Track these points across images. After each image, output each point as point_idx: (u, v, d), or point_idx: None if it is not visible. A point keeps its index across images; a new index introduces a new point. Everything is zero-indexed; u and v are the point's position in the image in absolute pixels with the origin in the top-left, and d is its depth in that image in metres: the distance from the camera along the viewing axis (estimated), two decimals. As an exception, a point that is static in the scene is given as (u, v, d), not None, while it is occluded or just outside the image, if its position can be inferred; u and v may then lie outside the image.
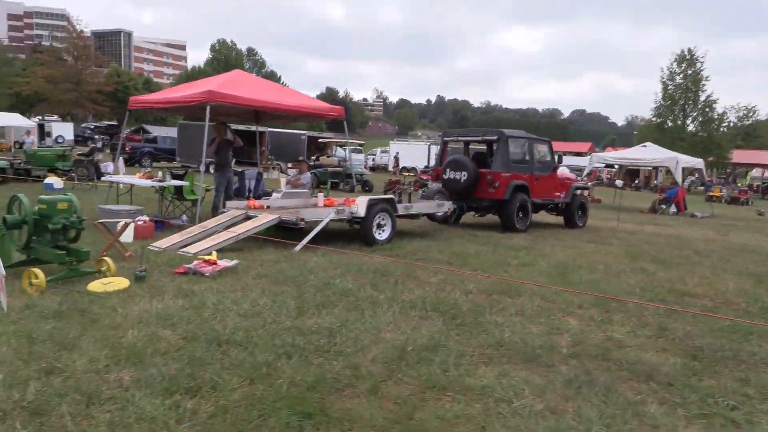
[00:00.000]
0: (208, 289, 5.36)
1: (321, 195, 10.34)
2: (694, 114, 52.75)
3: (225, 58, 71.93)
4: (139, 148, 33.02)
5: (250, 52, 79.34)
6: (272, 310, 4.77)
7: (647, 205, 21.90)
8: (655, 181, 43.02)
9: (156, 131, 44.95)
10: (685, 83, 52.40)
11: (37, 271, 5.28)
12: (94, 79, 53.49)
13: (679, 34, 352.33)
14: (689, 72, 52.06)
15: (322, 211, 8.45)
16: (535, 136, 12.72)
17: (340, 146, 32.25)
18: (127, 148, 32.49)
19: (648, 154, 22.23)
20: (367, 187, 22.82)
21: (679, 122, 52.86)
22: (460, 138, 12.76)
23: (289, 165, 30.88)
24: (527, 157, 12.20)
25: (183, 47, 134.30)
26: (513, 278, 6.60)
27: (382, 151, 50.37)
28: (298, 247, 7.91)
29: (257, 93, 9.84)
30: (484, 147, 13.44)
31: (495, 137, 11.86)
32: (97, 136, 45.58)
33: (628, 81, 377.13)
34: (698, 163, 22.64)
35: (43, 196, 5.54)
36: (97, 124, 50.43)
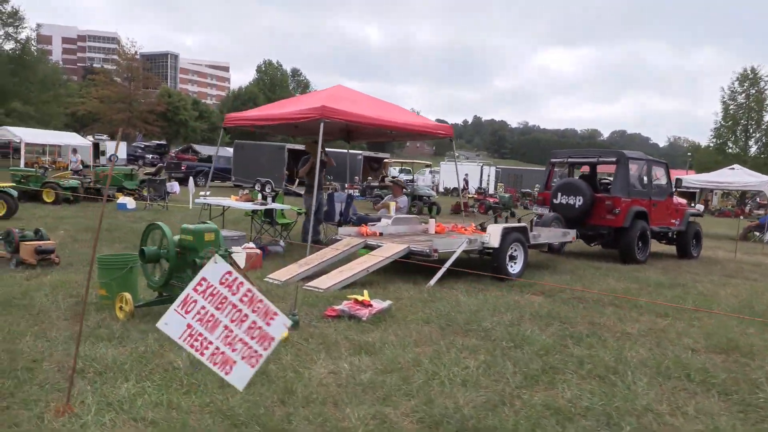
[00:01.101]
0: (385, 341, 4.46)
1: (432, 221, 9.45)
2: (758, 135, 50.45)
3: (270, 78, 72.51)
4: (194, 168, 32.79)
5: (295, 72, 79.92)
6: (489, 375, 3.83)
7: (733, 231, 20.37)
8: (749, 204, 41.04)
9: (205, 150, 45.11)
10: (747, 103, 50.29)
11: (127, 295, 4.64)
12: (146, 99, 54.23)
13: (720, 56, 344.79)
14: (752, 91, 49.97)
15: (454, 240, 7.52)
16: (653, 158, 11.63)
17: (426, 167, 31.53)
18: (182, 167, 32.41)
19: (738, 177, 20.75)
20: (435, 210, 21.88)
21: (741, 143, 50.64)
22: (570, 160, 11.74)
23: (347, 185, 30.31)
24: (645, 181, 11.12)
25: (227, 69, 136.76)
26: (725, 329, 5.53)
27: (431, 172, 49.61)
28: (433, 282, 7.01)
29: (367, 109, 9.05)
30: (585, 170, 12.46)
31: (614, 159, 10.83)
32: (150, 156, 46.14)
33: (668, 101, 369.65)
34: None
35: (187, 226, 4.76)
36: (147, 144, 51.01)
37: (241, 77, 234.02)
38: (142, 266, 4.96)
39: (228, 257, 4.65)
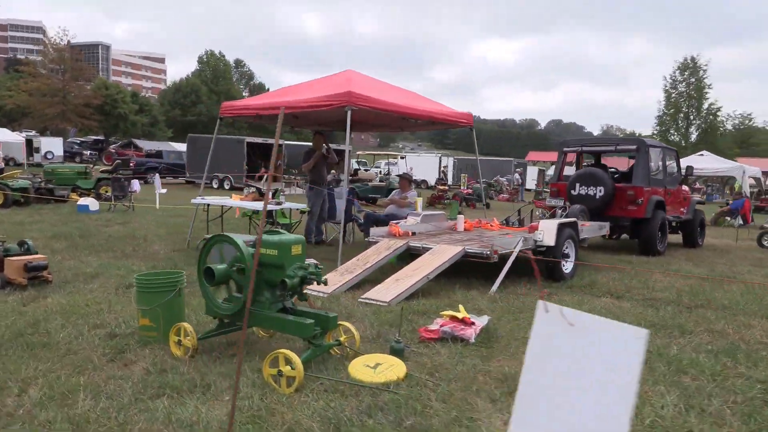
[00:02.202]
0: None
1: (461, 217, 8.71)
2: (698, 122, 52.39)
3: (213, 69, 69.77)
4: (143, 164, 30.79)
5: (238, 63, 77.27)
6: (701, 416, 3.09)
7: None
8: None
9: (147, 146, 42.68)
10: (688, 91, 52.12)
11: (187, 326, 3.73)
12: (81, 92, 50.73)
13: (650, 46, 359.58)
14: (692, 80, 51.80)
15: (511, 240, 6.77)
16: (666, 145, 11.27)
17: (400, 157, 30.73)
18: (131, 164, 30.38)
19: (709, 163, 21.01)
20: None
21: (682, 131, 52.46)
22: (584, 149, 11.23)
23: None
24: (660, 169, 10.74)
25: (162, 60, 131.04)
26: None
27: (386, 164, 48.90)
28: (495, 287, 6.26)
29: (390, 95, 8.17)
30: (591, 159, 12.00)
31: (633, 147, 10.37)
32: (87, 152, 43.13)
33: (602, 91, 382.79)
34: (756, 172, 21.55)
35: (267, 237, 3.79)
36: (83, 139, 47.84)
37: (178, 69, 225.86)
38: (202, 289, 3.95)
39: (319, 276, 3.72)
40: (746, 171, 19.38)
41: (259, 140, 29.73)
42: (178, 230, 10.93)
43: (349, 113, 7.27)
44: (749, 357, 4.13)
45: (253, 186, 20.45)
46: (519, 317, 5.06)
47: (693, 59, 51.47)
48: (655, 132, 53.60)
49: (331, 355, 3.92)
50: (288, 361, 3.31)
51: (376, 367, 3.58)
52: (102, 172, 18.61)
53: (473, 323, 4.41)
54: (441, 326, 4.39)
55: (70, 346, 4.01)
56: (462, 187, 30.50)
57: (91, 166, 19.54)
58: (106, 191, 16.33)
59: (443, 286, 6.30)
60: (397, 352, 3.91)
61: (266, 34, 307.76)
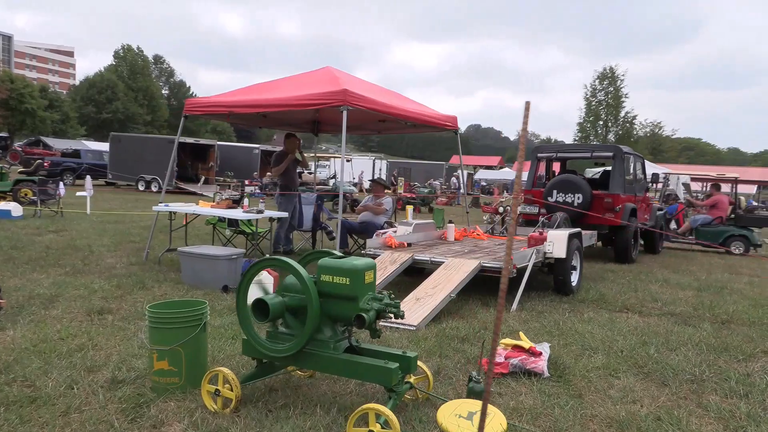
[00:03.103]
0: (637, 415, 3.18)
1: (451, 226, 8.23)
2: (615, 129, 54.95)
3: (130, 65, 66.10)
4: (60, 164, 28.36)
5: (158, 59, 73.69)
6: None
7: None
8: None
9: (57, 144, 39.55)
10: (606, 100, 54.61)
11: (226, 371, 3.06)
12: (-18, 85, 46.40)
13: (563, 55, 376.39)
14: (610, 89, 54.32)
15: (525, 253, 6.33)
16: (635, 152, 11.32)
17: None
18: (45, 164, 27.90)
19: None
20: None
21: (601, 137, 54.84)
22: (559, 155, 11.07)
23: (246, 182, 27.81)
24: (632, 177, 10.77)
25: (71, 54, 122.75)
26: None
27: (317, 166, 47.97)
28: (515, 305, 5.81)
29: (380, 95, 7.56)
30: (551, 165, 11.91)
31: (610, 154, 10.29)
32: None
33: (518, 98, 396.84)
34: (686, 178, 22.52)
35: (328, 261, 3.10)
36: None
37: (89, 64, 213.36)
38: (244, 325, 3.20)
39: (397, 308, 3.07)
40: (680, 177, 20.17)
41: (191, 140, 28.13)
42: (124, 239, 9.82)
43: (345, 114, 6.61)
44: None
45: (224, 191, 19.20)
46: (568, 340, 4.61)
47: (611, 69, 54.03)
48: (577, 138, 55.75)
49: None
50: (381, 420, 2.65)
51: (470, 418, 2.99)
52: (20, 173, 16.75)
53: (540, 353, 3.90)
54: (507, 358, 3.86)
55: (68, 400, 3.15)
56: (399, 191, 30.26)
57: (7, 166, 17.58)
58: (26, 194, 14.68)
59: (458, 305, 5.77)
60: (477, 394, 3.33)
61: (184, 32, 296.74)
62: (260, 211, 7.22)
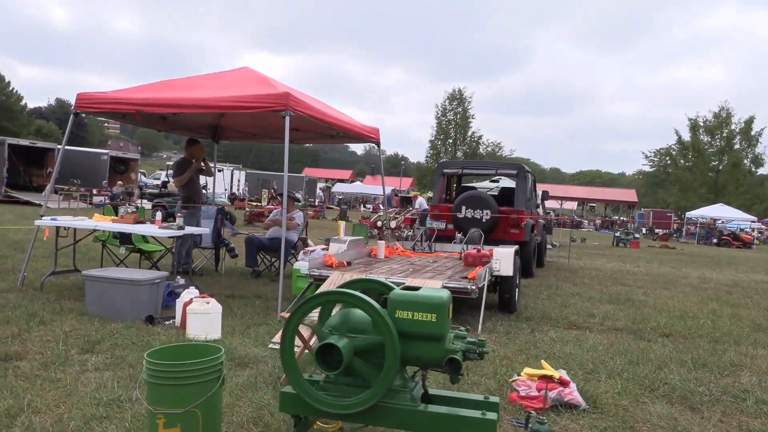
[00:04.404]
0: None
1: (382, 243, 7.86)
2: (464, 148, 58.30)
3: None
4: None
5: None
6: None
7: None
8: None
9: None
10: (455, 119, 57.80)
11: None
12: None
13: (406, 74, 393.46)
14: (459, 109, 57.63)
15: (480, 272, 6.13)
16: (530, 170, 11.82)
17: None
18: None
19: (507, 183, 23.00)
20: (230, 221, 19.29)
21: (450, 155, 57.85)
22: (465, 171, 11.17)
23: (95, 191, 24.88)
24: (529, 194, 11.23)
25: None
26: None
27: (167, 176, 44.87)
28: (480, 328, 5.60)
29: (314, 102, 6.97)
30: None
31: (514, 171, 10.61)
32: None
33: (364, 113, 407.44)
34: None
35: (403, 294, 2.58)
36: None
37: None
38: (292, 376, 2.54)
39: (483, 346, 2.63)
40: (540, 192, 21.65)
41: (26, 143, 24.67)
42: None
43: (287, 119, 5.96)
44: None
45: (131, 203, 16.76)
46: (560, 363, 4.45)
47: (460, 91, 57.33)
48: (429, 155, 58.30)
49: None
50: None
51: (565, 468, 2.65)
52: None
53: (569, 382, 3.68)
54: (539, 390, 3.57)
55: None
56: (265, 203, 29.16)
57: None
58: None
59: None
60: (539, 436, 3.00)
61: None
62: (181, 227, 6.26)
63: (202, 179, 9.04)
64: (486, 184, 17.31)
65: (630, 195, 54.73)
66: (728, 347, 5.42)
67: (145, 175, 38.06)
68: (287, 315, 3.77)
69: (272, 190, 32.35)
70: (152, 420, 2.58)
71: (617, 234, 25.03)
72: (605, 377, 4.19)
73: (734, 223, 35.27)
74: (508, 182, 13.54)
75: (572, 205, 59.58)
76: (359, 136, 8.07)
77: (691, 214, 37.34)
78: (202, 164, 8.34)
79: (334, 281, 5.77)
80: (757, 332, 6.30)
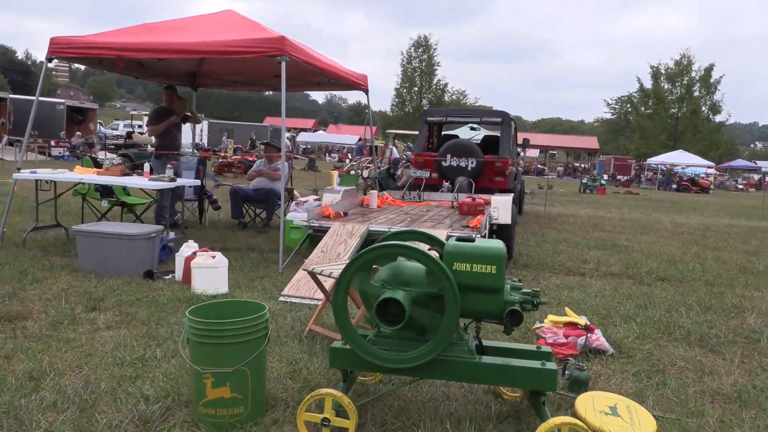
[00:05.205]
0: (743, 388, 3.13)
1: (374, 192, 7.75)
2: (429, 96, 57.79)
3: None
4: None
5: None
6: None
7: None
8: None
9: None
10: (420, 67, 57.02)
11: (337, 394, 2.40)
12: None
13: (368, 21, 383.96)
14: (424, 57, 56.78)
15: (483, 220, 6.09)
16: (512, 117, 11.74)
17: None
18: None
19: (468, 134, 22.99)
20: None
21: (416, 102, 57.35)
22: (449, 119, 10.99)
23: (53, 142, 23.73)
24: (512, 142, 11.20)
25: None
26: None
27: (125, 126, 43.25)
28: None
29: (305, 47, 6.65)
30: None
31: (498, 119, 10.50)
32: None
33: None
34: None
35: (460, 246, 2.50)
36: None
37: None
38: (347, 332, 2.45)
39: (538, 296, 2.58)
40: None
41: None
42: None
43: (283, 65, 5.68)
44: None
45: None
46: (577, 309, 4.50)
47: (426, 38, 56.34)
48: (394, 103, 57.67)
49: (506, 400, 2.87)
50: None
51: (616, 413, 2.67)
52: None
53: (594, 328, 3.71)
54: (566, 337, 3.59)
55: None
56: (230, 154, 28.42)
57: None
58: None
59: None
60: (583, 384, 3.03)
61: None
62: (172, 179, 6.00)
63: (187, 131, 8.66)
64: (464, 132, 17.20)
65: (591, 142, 55.52)
66: (724, 290, 5.58)
67: (102, 126, 36.53)
68: (310, 269, 3.68)
69: (251, 140, 31.55)
70: (198, 380, 2.48)
71: (584, 181, 25.44)
72: (621, 322, 4.26)
73: (691, 169, 36.29)
74: (485, 131, 13.49)
75: (534, 153, 60.23)
76: (349, 83, 7.81)
77: (652, 160, 38.18)
78: (188, 113, 8.00)
79: (336, 232, 5.66)
80: (745, 274, 6.51)
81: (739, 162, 48.25)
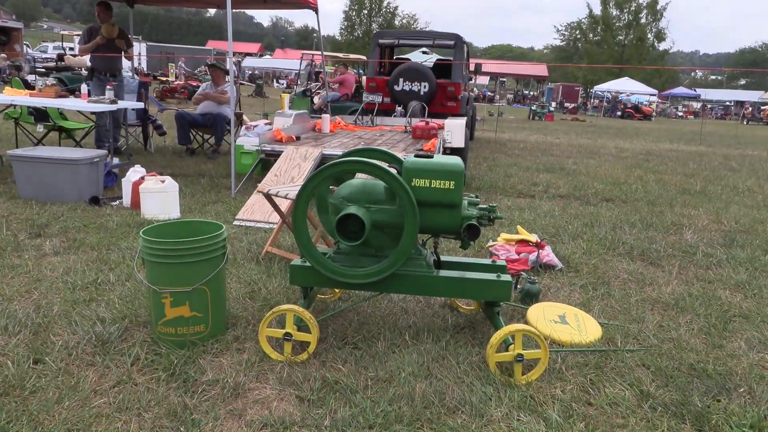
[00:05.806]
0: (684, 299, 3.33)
1: (326, 116, 7.60)
2: (379, 19, 56.18)
3: None
4: None
5: None
6: None
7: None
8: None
9: None
10: (370, -11, 55.05)
11: (299, 309, 2.42)
12: None
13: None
14: (374, -22, 54.73)
15: (436, 144, 6.09)
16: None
17: None
18: None
19: (418, 57, 22.62)
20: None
21: (365, 27, 55.74)
22: (401, 41, 10.72)
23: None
24: (462, 65, 11.09)
25: None
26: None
27: (55, 48, 40.50)
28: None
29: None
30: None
31: (451, 42, 10.33)
32: None
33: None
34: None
35: (418, 162, 2.49)
36: None
37: None
38: (307, 251, 2.45)
39: (495, 211, 2.63)
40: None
41: None
42: None
43: (229, -22, 5.37)
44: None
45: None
46: (528, 227, 4.64)
47: (374, -44, 54.08)
48: (343, 27, 55.86)
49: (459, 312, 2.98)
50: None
51: (565, 321, 2.82)
52: None
53: (545, 245, 3.84)
54: (518, 253, 3.72)
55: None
56: (176, 80, 27.18)
57: None
58: None
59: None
60: (534, 296, 3.16)
61: None
62: (113, 101, 5.70)
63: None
64: (417, 56, 16.89)
65: (541, 69, 55.59)
66: (664, 209, 5.85)
67: (30, 47, 34.12)
68: (266, 190, 3.62)
69: (206, 64, 30.07)
70: (157, 300, 2.45)
71: (533, 108, 25.70)
72: (569, 239, 4.43)
73: (635, 97, 37.09)
74: (437, 56, 13.28)
75: (485, 80, 60.00)
76: (298, 1, 7.47)
77: (598, 88, 38.74)
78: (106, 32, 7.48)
79: (290, 156, 5.56)
80: (684, 195, 6.82)
81: (680, 90, 49.55)
